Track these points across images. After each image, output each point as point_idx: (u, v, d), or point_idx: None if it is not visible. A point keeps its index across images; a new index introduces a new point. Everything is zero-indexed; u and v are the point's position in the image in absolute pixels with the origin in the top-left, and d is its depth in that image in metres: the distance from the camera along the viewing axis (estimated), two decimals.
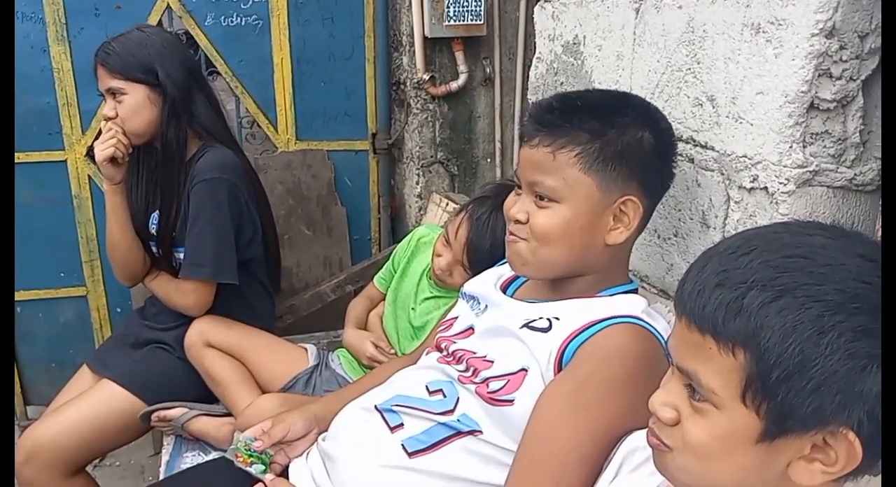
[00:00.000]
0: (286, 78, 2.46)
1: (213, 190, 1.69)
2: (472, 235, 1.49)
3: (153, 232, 1.84)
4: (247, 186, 1.79)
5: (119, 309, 2.56)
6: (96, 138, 2.35)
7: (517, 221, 1.09)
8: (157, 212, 1.83)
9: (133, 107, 1.70)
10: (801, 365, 0.58)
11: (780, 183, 1.09)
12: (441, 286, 1.61)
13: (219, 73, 2.49)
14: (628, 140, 1.05)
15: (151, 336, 1.86)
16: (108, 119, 1.70)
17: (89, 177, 2.42)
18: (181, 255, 1.77)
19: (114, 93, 1.69)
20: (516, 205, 1.10)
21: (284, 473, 1.20)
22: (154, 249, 1.83)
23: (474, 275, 1.43)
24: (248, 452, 1.15)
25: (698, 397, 0.65)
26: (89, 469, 1.80)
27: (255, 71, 2.45)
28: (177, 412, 1.66)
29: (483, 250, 1.47)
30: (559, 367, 1.00)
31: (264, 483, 1.10)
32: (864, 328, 0.58)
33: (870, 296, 0.60)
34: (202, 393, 1.75)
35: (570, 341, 1.01)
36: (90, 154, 2.40)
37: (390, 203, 2.67)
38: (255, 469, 1.13)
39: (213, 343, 1.71)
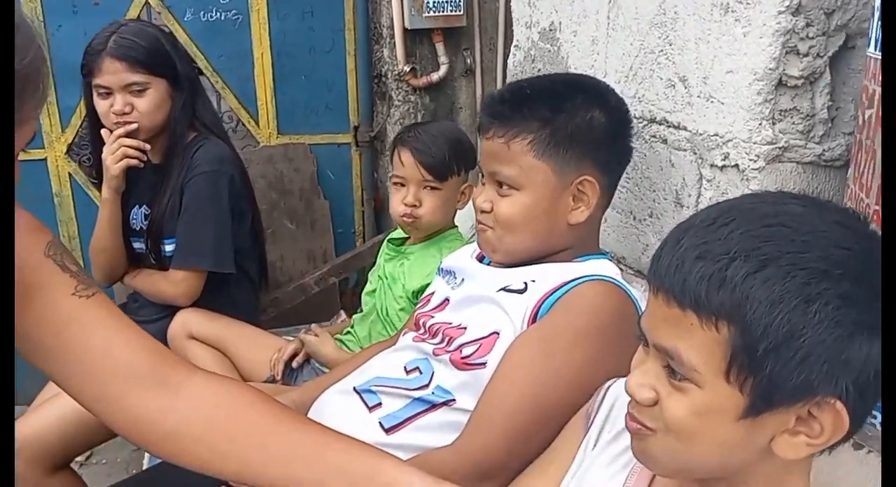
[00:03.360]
0: (266, 72, 2.46)
1: (214, 181, 1.70)
2: (414, 146, 1.51)
3: (135, 227, 1.84)
4: (240, 179, 1.81)
5: None
6: (76, 136, 2.37)
7: (483, 211, 1.12)
8: (138, 206, 1.83)
9: (157, 103, 1.69)
10: (789, 335, 0.57)
11: (751, 159, 1.10)
12: (416, 234, 1.61)
13: (201, 72, 2.48)
14: (578, 122, 1.07)
15: None
16: (121, 114, 1.67)
17: (70, 175, 2.41)
18: (169, 247, 1.77)
19: (132, 88, 1.66)
20: (481, 195, 1.13)
21: None
22: (139, 244, 1.84)
23: (437, 175, 1.50)
24: None
25: (679, 377, 0.63)
26: (75, 467, 1.79)
27: (235, 66, 2.46)
28: None
29: (429, 147, 1.50)
30: (533, 323, 1.03)
31: None
32: (849, 294, 0.58)
33: (851, 262, 0.59)
34: None
35: (546, 299, 1.03)
36: (70, 152, 2.39)
37: (374, 196, 2.67)
38: None
39: (195, 335, 1.71)
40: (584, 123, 1.07)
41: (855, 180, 0.97)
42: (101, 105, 1.70)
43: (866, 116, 0.94)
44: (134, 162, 1.70)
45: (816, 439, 0.61)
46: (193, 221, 1.70)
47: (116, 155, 1.68)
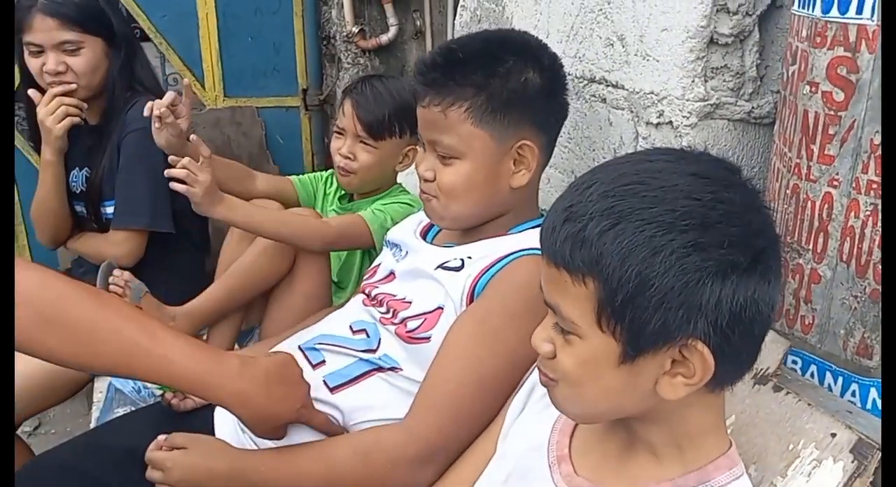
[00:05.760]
0: (212, 33, 2.41)
1: (146, 137, 1.64)
2: (356, 99, 1.51)
3: (75, 190, 1.80)
4: None
5: None
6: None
7: (426, 180, 1.11)
8: (78, 168, 1.80)
9: (93, 63, 1.65)
10: (641, 285, 0.62)
11: (684, 116, 1.12)
12: (348, 186, 1.60)
13: (143, 35, 2.40)
14: (513, 86, 1.06)
15: None
16: (56, 74, 1.62)
17: None
18: (109, 209, 1.74)
19: (65, 47, 1.61)
20: (423, 164, 1.12)
21: (209, 420, 1.19)
22: (80, 207, 1.80)
23: (373, 133, 1.50)
24: None
25: (566, 330, 0.69)
26: (24, 437, 1.77)
27: (179, 26, 2.40)
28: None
29: (370, 103, 1.50)
30: (471, 302, 1.04)
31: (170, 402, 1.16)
32: (694, 243, 0.62)
33: (699, 212, 0.63)
34: None
35: (481, 276, 1.04)
36: None
37: (325, 161, 2.65)
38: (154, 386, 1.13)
39: None
40: (520, 86, 1.06)
41: (779, 135, 1.01)
42: (32, 63, 1.65)
43: (790, 72, 0.97)
44: (77, 120, 1.66)
45: (691, 379, 0.66)
46: (129, 180, 1.67)
47: (58, 114, 1.64)
